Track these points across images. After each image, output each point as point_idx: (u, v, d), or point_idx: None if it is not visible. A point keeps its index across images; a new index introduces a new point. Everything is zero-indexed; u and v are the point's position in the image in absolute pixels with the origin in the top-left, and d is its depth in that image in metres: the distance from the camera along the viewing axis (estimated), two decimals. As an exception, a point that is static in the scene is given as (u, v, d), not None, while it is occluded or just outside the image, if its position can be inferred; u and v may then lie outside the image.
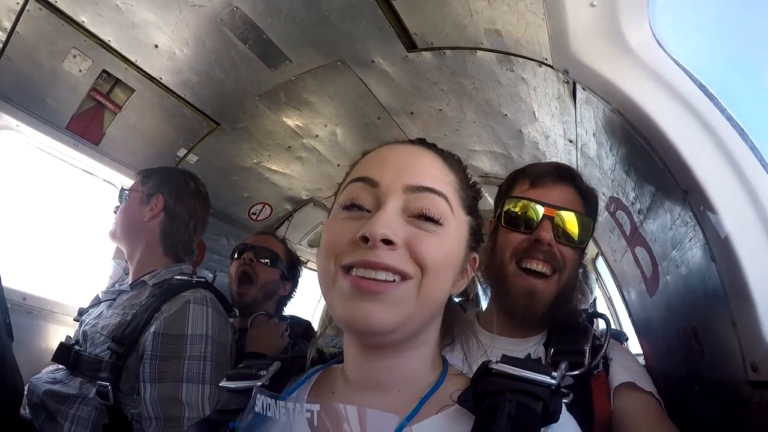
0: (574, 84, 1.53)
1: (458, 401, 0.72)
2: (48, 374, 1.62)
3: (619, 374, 1.21)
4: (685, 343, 1.34)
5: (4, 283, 1.51)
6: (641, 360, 1.63)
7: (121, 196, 1.89)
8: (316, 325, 2.22)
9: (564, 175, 1.37)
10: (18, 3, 1.63)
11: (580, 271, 1.44)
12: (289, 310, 2.55)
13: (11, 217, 2.20)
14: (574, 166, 1.96)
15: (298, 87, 2.18)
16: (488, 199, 1.61)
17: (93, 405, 1.50)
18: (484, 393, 0.71)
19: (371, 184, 0.77)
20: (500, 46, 1.66)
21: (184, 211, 1.85)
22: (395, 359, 0.78)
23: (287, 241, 2.56)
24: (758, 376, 0.98)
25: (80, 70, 1.91)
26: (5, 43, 1.71)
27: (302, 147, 2.63)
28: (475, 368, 0.77)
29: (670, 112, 1.17)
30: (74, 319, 1.85)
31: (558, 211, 1.29)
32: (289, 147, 2.62)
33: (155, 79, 2.05)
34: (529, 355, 1.26)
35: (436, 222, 0.75)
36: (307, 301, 2.57)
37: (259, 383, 0.82)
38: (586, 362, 1.18)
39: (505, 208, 1.35)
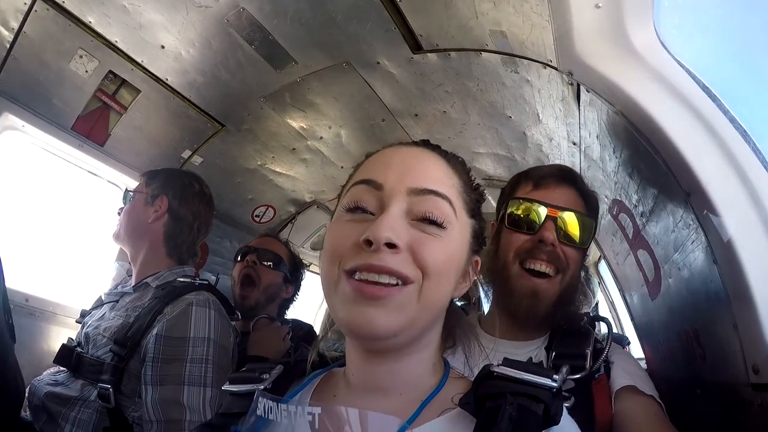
0: (578, 86, 1.54)
1: (459, 404, 0.72)
2: (49, 376, 1.62)
3: (620, 378, 1.22)
4: (686, 347, 1.34)
5: (7, 284, 1.51)
6: (643, 364, 1.63)
7: (125, 198, 1.90)
8: (318, 329, 2.21)
9: (566, 177, 1.38)
10: (25, 3, 1.64)
11: (583, 274, 1.44)
12: (291, 314, 2.55)
13: (15, 218, 2.21)
14: (578, 169, 1.97)
15: (303, 88, 2.18)
16: (491, 202, 1.61)
17: (94, 407, 1.49)
18: (486, 396, 0.71)
19: (375, 186, 0.77)
20: (505, 47, 1.66)
21: (188, 212, 1.85)
22: (397, 363, 0.78)
23: (290, 243, 2.56)
24: (760, 378, 0.98)
25: (86, 71, 1.92)
26: (12, 43, 1.73)
27: (306, 149, 2.63)
28: (476, 371, 0.77)
29: (674, 114, 1.18)
30: (76, 321, 1.85)
31: (561, 212, 1.31)
32: (294, 149, 2.63)
33: (161, 80, 2.07)
34: (531, 358, 1.26)
35: (439, 225, 0.75)
36: (309, 305, 2.57)
37: (262, 387, 0.82)
38: (588, 366, 1.18)
39: (509, 210, 1.37)
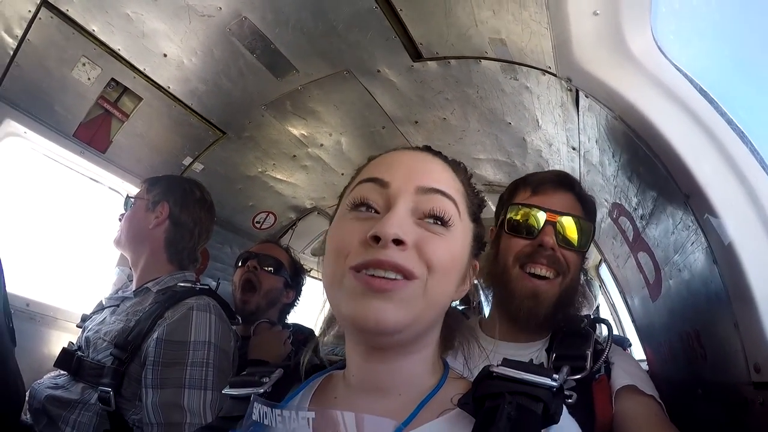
0: (577, 92, 1.56)
1: (458, 404, 0.72)
2: (50, 380, 1.62)
3: (620, 378, 1.22)
4: (687, 347, 1.34)
5: (8, 289, 1.51)
6: (644, 365, 1.63)
7: (126, 204, 1.90)
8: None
9: (564, 182, 1.41)
10: (29, 11, 1.65)
11: (584, 278, 1.46)
12: (292, 319, 2.55)
13: (16, 224, 2.21)
14: (577, 174, 1.98)
15: (304, 96, 2.20)
16: (492, 208, 1.63)
17: (94, 410, 1.49)
18: (485, 396, 0.71)
19: (381, 184, 0.78)
20: (504, 55, 1.68)
21: (189, 219, 1.86)
22: (398, 362, 0.78)
23: (291, 249, 2.56)
24: (761, 377, 0.98)
25: (89, 78, 1.93)
26: (16, 51, 1.74)
27: (307, 156, 2.65)
28: (476, 373, 0.78)
29: (672, 117, 1.19)
30: (77, 326, 1.85)
31: (559, 217, 1.33)
32: (294, 156, 2.64)
33: (163, 88, 2.08)
34: (532, 360, 1.26)
35: (444, 224, 0.76)
36: (310, 310, 2.56)
37: (261, 391, 0.82)
38: (588, 366, 1.19)
39: (508, 216, 1.39)
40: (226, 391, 0.88)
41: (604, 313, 3.41)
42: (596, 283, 3.11)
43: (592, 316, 1.42)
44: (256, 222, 3.06)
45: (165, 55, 1.92)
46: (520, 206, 1.38)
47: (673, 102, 1.20)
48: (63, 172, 2.19)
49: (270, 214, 3.07)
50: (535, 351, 1.33)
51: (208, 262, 2.83)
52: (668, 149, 1.19)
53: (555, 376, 0.72)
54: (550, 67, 1.57)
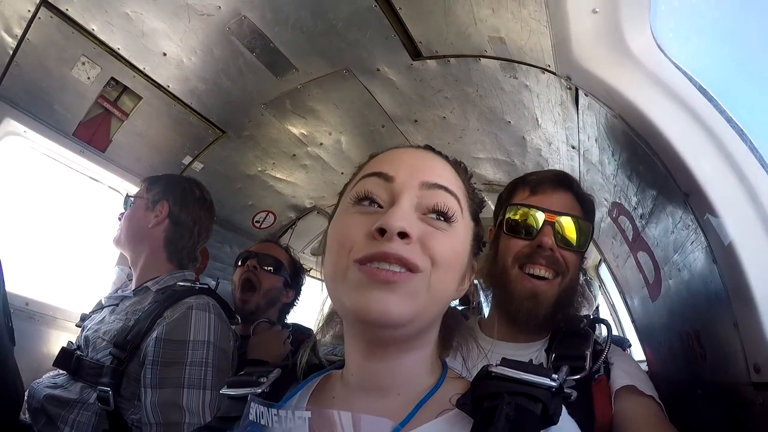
0: (577, 90, 1.55)
1: (457, 405, 0.72)
2: (49, 379, 1.62)
3: (620, 378, 1.22)
4: (687, 347, 1.34)
5: (7, 288, 1.51)
6: (644, 366, 1.63)
7: (126, 203, 1.90)
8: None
9: (562, 182, 1.41)
10: (29, 10, 1.65)
11: (584, 278, 1.46)
12: (291, 319, 2.55)
13: (16, 223, 2.21)
14: (577, 173, 1.98)
15: (304, 95, 2.20)
16: (491, 207, 1.63)
17: (93, 410, 1.49)
18: (483, 396, 0.71)
19: (386, 179, 0.77)
20: (504, 53, 1.68)
21: (189, 218, 1.86)
22: (398, 360, 0.77)
23: (291, 249, 2.56)
24: (761, 377, 0.98)
25: (89, 78, 1.93)
26: (15, 50, 1.74)
27: (307, 155, 2.65)
28: (475, 373, 0.78)
29: (672, 115, 1.19)
30: (76, 325, 1.85)
31: (558, 217, 1.33)
32: (294, 155, 2.64)
33: (162, 87, 2.08)
34: (531, 360, 1.26)
35: (447, 220, 0.76)
36: (310, 309, 2.57)
37: (259, 390, 0.82)
38: (587, 367, 1.19)
39: (506, 216, 1.38)
40: (224, 391, 0.87)
41: (604, 313, 3.41)
42: (596, 283, 3.10)
43: (591, 317, 1.42)
44: (256, 221, 3.06)
45: (164, 54, 1.92)
46: (518, 206, 1.38)
47: (672, 100, 1.19)
48: (63, 171, 2.19)
49: (269, 214, 3.07)
50: (534, 351, 1.32)
51: (208, 261, 2.83)
52: (668, 148, 1.19)
53: (554, 376, 0.71)
54: (549, 66, 1.56)
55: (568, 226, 1.33)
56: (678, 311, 1.40)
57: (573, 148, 1.93)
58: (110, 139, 2.19)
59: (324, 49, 1.92)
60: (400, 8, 1.66)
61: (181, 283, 1.73)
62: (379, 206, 0.76)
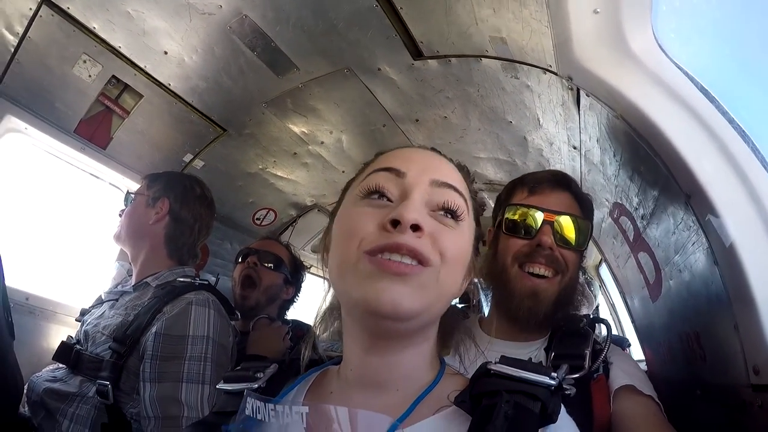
0: (578, 90, 1.55)
1: (455, 402, 0.72)
2: (48, 373, 1.63)
3: (619, 378, 1.22)
4: (687, 348, 1.34)
5: (7, 283, 1.52)
6: (643, 366, 1.63)
7: (126, 200, 1.91)
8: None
9: (560, 181, 1.41)
10: (31, 8, 1.66)
11: (584, 277, 1.46)
12: (291, 315, 2.55)
13: (17, 218, 2.22)
14: (578, 173, 1.98)
15: (305, 94, 2.20)
16: (491, 206, 1.63)
17: (92, 403, 1.50)
18: (482, 394, 0.70)
19: (397, 174, 0.78)
20: (505, 53, 1.68)
21: (189, 215, 1.86)
22: (397, 355, 0.77)
23: (291, 246, 2.56)
24: (760, 379, 0.98)
25: (90, 75, 1.94)
26: (17, 48, 1.74)
27: (307, 153, 2.65)
28: (473, 371, 0.78)
29: (673, 116, 1.19)
30: (76, 320, 1.86)
31: (557, 216, 1.33)
32: (295, 153, 2.64)
33: (164, 85, 2.08)
34: (531, 359, 1.27)
35: (456, 217, 0.77)
36: (310, 306, 2.57)
37: (255, 386, 0.82)
38: (586, 366, 1.19)
39: (506, 216, 1.39)
40: (220, 386, 0.87)
41: (604, 312, 3.41)
42: (596, 283, 3.10)
43: (591, 316, 1.42)
44: (257, 219, 3.06)
45: (166, 53, 1.92)
46: (517, 206, 1.38)
47: (674, 101, 1.19)
48: (64, 168, 2.20)
49: (270, 211, 3.07)
50: (534, 350, 1.33)
51: (208, 257, 2.83)
52: (669, 148, 1.19)
53: (553, 374, 0.71)
54: (550, 66, 1.56)
55: (567, 225, 1.34)
56: (678, 312, 1.40)
57: (574, 148, 1.93)
58: (111, 137, 2.19)
59: (325, 49, 1.92)
60: (401, 8, 1.66)
61: (181, 279, 1.73)
62: (389, 200, 0.76)
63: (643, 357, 1.94)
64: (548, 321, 1.32)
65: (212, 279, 2.67)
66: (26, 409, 1.57)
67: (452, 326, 0.91)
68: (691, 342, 1.30)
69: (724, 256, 1.08)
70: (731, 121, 1.11)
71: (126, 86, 2.06)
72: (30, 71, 1.83)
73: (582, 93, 1.54)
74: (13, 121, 1.92)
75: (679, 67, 1.21)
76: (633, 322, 2.07)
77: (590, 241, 1.43)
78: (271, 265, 2.35)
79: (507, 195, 1.47)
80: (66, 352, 1.61)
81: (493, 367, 0.74)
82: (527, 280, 1.31)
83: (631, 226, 1.66)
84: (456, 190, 0.79)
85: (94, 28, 1.78)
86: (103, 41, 1.84)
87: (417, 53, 1.88)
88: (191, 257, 1.89)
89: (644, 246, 1.57)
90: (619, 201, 1.70)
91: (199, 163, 2.50)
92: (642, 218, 1.54)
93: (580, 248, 1.36)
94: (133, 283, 1.79)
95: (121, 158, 2.29)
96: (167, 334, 1.51)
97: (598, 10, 1.25)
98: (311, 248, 3.39)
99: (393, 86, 2.11)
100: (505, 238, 1.38)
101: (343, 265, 0.74)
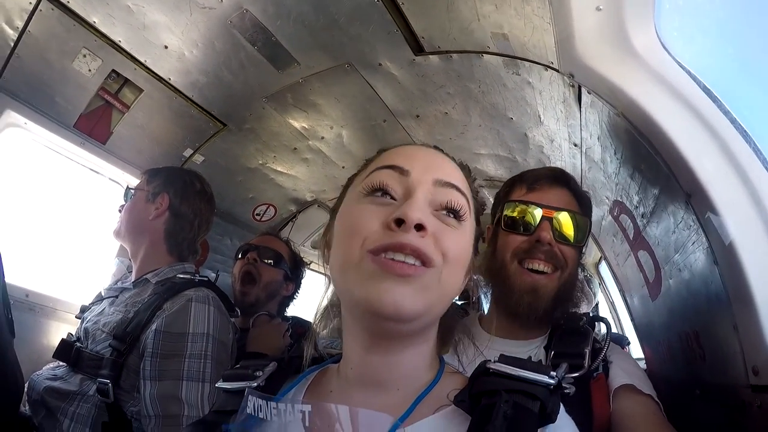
0: (580, 88, 1.55)
1: (454, 401, 0.72)
2: (48, 371, 1.62)
3: (618, 377, 1.22)
4: (686, 347, 1.34)
5: (7, 280, 1.51)
6: (642, 364, 1.63)
7: (126, 195, 1.90)
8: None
9: (559, 178, 1.41)
10: (30, 3, 1.65)
11: (584, 274, 1.46)
12: (291, 312, 2.55)
13: (16, 214, 2.22)
14: (579, 170, 1.98)
15: (305, 89, 2.19)
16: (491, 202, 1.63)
17: (93, 402, 1.49)
18: (481, 393, 0.70)
19: (401, 172, 0.77)
20: (507, 49, 1.67)
21: (189, 210, 1.86)
22: (398, 355, 0.77)
23: (291, 242, 2.56)
24: (759, 380, 0.98)
25: (90, 70, 1.93)
26: (17, 42, 1.73)
27: (308, 149, 2.64)
28: (471, 370, 0.77)
29: (675, 115, 1.18)
30: (76, 317, 1.85)
31: (555, 213, 1.33)
32: (295, 148, 2.63)
33: (164, 79, 2.07)
34: (530, 357, 1.27)
35: (458, 217, 0.77)
36: (310, 303, 2.57)
37: (255, 384, 0.81)
38: (586, 365, 1.19)
39: (504, 213, 1.39)
40: (219, 384, 0.87)
41: (604, 311, 3.41)
42: (596, 281, 3.10)
43: (591, 314, 1.42)
44: (257, 214, 3.06)
45: (166, 47, 1.91)
46: (516, 203, 1.38)
47: (675, 99, 1.19)
48: (63, 163, 2.19)
49: (270, 207, 3.07)
50: (534, 348, 1.33)
51: (208, 253, 2.83)
52: (670, 147, 1.18)
53: (552, 373, 0.71)
54: (552, 63, 1.56)
55: (565, 221, 1.34)
56: (678, 311, 1.41)
57: (575, 145, 1.92)
58: (111, 131, 2.19)
59: (326, 44, 1.91)
60: (402, 3, 1.65)
61: (181, 276, 1.72)
62: (393, 198, 0.76)
63: (642, 355, 1.94)
64: (548, 317, 1.33)
65: (212, 275, 2.67)
66: (27, 407, 1.57)
67: (451, 325, 0.91)
68: (691, 341, 1.30)
69: (724, 255, 1.08)
70: (733, 121, 1.11)
71: (126, 81, 2.05)
72: (30, 66, 1.82)
73: (583, 90, 1.54)
74: (12, 116, 1.92)
75: (681, 66, 1.20)
76: (632, 320, 2.08)
77: (589, 238, 1.44)
78: (271, 261, 2.34)
79: (506, 192, 1.47)
80: (66, 350, 1.61)
81: (492, 365, 0.73)
82: (527, 276, 1.31)
83: (631, 224, 1.65)
84: (459, 189, 0.79)
85: (94, 22, 1.77)
86: (103, 35, 1.83)
87: (418, 49, 1.87)
88: (191, 253, 1.89)
89: (644, 244, 1.57)
90: (619, 199, 1.70)
91: (199, 158, 2.50)
92: (642, 216, 1.54)
93: (578, 244, 1.36)
94: (132, 280, 1.78)
95: (120, 153, 2.29)
96: (167, 332, 1.51)
97: (601, 7, 1.24)
98: (311, 244, 3.39)
99: (394, 81, 2.10)
100: (504, 235, 1.38)
101: (345, 264, 0.74)
